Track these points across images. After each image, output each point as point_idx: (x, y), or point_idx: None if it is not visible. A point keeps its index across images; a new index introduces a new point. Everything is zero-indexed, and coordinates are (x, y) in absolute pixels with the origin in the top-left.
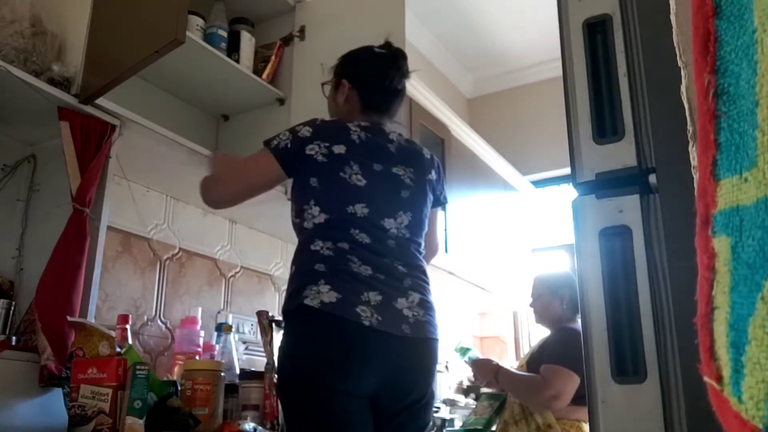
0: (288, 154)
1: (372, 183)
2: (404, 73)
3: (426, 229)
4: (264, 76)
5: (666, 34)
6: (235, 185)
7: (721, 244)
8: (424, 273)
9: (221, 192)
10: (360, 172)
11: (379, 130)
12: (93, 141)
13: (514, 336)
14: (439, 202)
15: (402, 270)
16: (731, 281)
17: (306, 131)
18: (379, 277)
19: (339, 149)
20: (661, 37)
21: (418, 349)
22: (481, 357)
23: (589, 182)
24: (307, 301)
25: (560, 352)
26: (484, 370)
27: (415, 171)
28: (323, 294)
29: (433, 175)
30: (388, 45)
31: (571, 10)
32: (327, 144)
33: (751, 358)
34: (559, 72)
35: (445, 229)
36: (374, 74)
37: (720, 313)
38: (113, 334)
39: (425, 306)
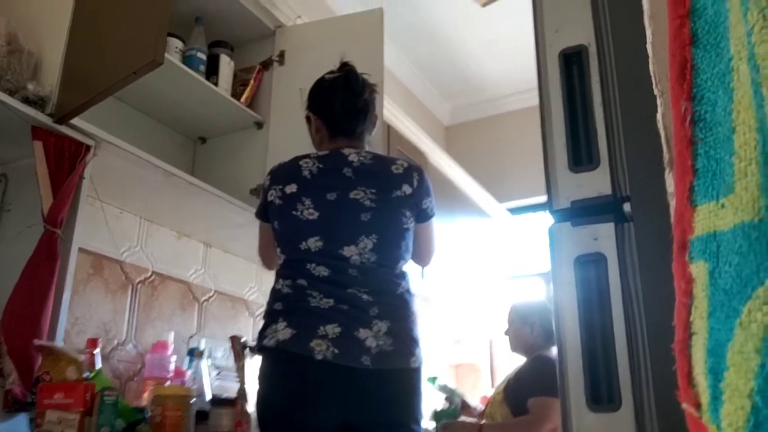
0: (262, 209)
1: (325, 214)
2: (358, 92)
3: (405, 248)
4: (242, 99)
5: (640, 64)
6: (261, 258)
7: (699, 269)
8: (397, 298)
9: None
10: (312, 206)
11: (337, 156)
12: (66, 161)
13: (489, 364)
14: (425, 216)
15: (367, 299)
16: (709, 307)
17: (267, 181)
18: (341, 308)
19: (291, 188)
20: (635, 68)
21: (382, 381)
22: (457, 405)
23: (564, 210)
24: (265, 342)
25: (542, 381)
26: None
27: (379, 190)
28: (279, 332)
29: (407, 190)
30: (341, 66)
31: (548, 40)
32: (281, 186)
33: (730, 385)
34: (536, 101)
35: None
36: (330, 100)
37: (698, 338)
38: (82, 358)
39: (395, 334)
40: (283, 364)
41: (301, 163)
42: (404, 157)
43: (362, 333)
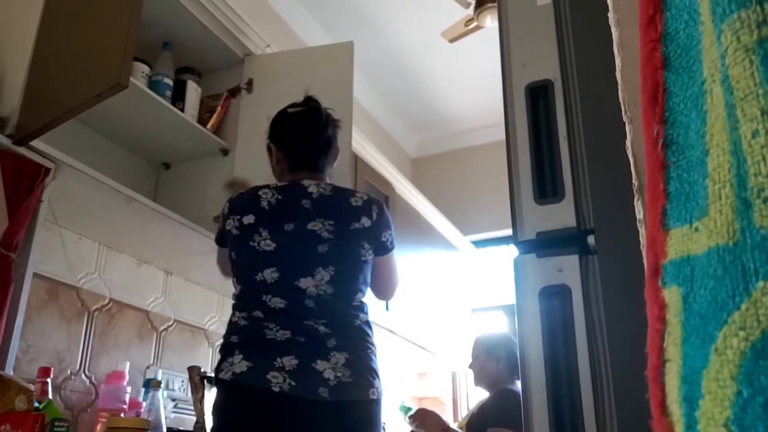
0: (220, 235)
1: (282, 245)
2: (321, 128)
3: (363, 280)
4: (209, 126)
5: (605, 100)
6: (219, 268)
7: (672, 294)
8: (355, 329)
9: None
10: (269, 237)
11: (296, 187)
12: (25, 183)
13: (452, 397)
14: (385, 249)
15: (324, 330)
16: (683, 333)
17: (226, 209)
18: (298, 340)
19: (248, 219)
20: (599, 103)
21: (340, 413)
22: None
23: (530, 241)
24: (221, 375)
25: (503, 414)
26: (432, 425)
27: (337, 222)
28: (235, 365)
29: (365, 222)
30: (306, 100)
31: (514, 74)
32: (239, 216)
33: (705, 413)
34: (501, 136)
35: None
36: (293, 135)
37: (672, 366)
38: (32, 387)
39: (354, 366)
40: (239, 397)
41: (259, 193)
42: (365, 191)
43: (320, 365)
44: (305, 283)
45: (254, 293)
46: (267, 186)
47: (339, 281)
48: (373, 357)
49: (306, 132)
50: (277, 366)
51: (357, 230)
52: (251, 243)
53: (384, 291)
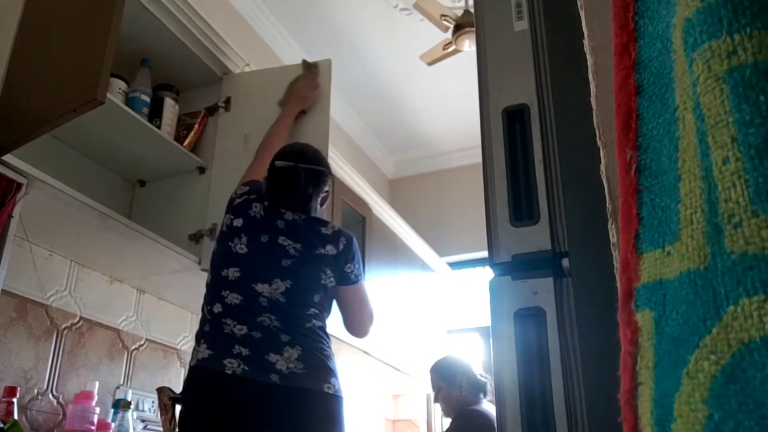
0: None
1: (252, 251)
2: (301, 190)
3: (318, 300)
4: (185, 143)
5: (580, 124)
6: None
7: (645, 318)
8: (308, 330)
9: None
10: (245, 243)
11: (276, 211)
12: None
13: (427, 419)
14: (347, 280)
15: (278, 326)
16: (655, 356)
17: (237, 199)
18: (253, 335)
19: (237, 222)
20: (575, 128)
21: (292, 401)
22: None
23: (505, 263)
24: (191, 363)
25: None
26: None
27: (304, 245)
28: (200, 352)
29: (331, 250)
30: (296, 155)
31: (491, 98)
32: (233, 217)
33: None
34: (478, 159)
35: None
36: (277, 187)
37: (644, 389)
38: None
39: (306, 361)
40: (199, 380)
41: (254, 203)
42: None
43: (273, 357)
44: (261, 287)
45: (216, 288)
46: (261, 201)
47: (293, 294)
48: (329, 359)
49: (286, 189)
50: (234, 353)
51: (321, 255)
52: (230, 243)
53: (355, 325)
